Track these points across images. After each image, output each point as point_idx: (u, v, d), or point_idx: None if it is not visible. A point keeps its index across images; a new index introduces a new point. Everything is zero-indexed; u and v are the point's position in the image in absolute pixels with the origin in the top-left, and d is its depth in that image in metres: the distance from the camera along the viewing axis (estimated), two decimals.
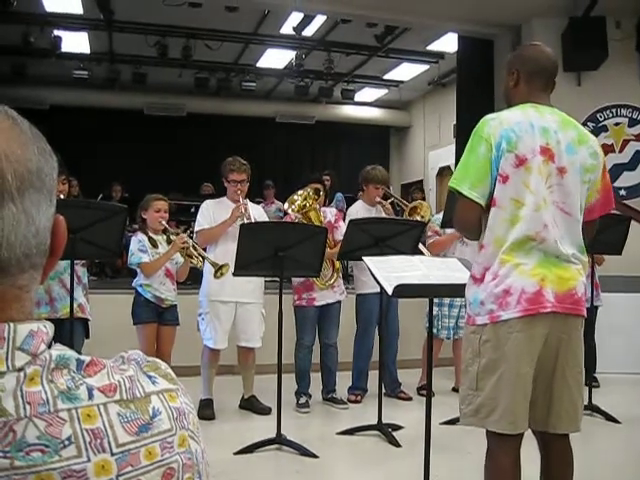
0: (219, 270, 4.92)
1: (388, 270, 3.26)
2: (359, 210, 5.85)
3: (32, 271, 0.74)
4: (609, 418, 5.23)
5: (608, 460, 4.49)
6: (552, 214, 2.56)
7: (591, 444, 4.59)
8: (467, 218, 2.66)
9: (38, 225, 0.73)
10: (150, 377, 0.78)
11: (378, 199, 5.79)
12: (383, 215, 5.78)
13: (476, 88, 8.36)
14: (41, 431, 0.66)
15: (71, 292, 4.16)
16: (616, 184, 7.62)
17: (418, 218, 5.75)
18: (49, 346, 0.73)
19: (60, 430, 0.67)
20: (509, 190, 2.55)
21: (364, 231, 4.93)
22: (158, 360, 0.83)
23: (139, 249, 4.95)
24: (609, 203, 2.79)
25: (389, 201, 6.01)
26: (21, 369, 0.68)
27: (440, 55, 11.73)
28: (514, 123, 2.58)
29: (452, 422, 4.79)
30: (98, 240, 4.01)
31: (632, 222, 5.60)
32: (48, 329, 0.74)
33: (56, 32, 10.68)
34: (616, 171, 7.65)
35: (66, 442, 0.67)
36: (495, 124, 2.58)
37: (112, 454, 0.69)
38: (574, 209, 2.62)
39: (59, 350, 0.73)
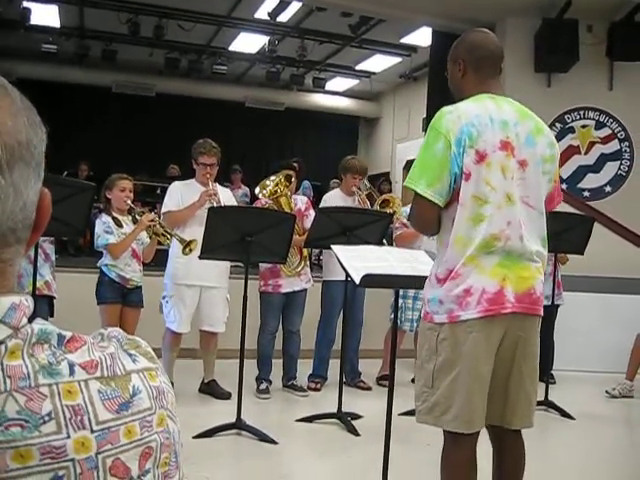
0: (187, 246, 4.88)
1: (356, 259, 3.26)
2: (334, 198, 5.85)
3: (17, 245, 0.73)
4: (564, 414, 5.32)
5: (561, 455, 4.57)
6: (518, 211, 2.50)
7: (546, 439, 4.67)
8: (424, 217, 2.58)
9: (26, 199, 0.72)
10: (130, 355, 0.77)
11: (355, 189, 5.78)
12: (357, 205, 5.76)
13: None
14: (21, 406, 0.65)
15: (34, 269, 4.11)
16: (580, 185, 7.75)
17: (389, 212, 5.74)
18: (30, 320, 0.72)
19: (40, 405, 0.66)
20: (471, 187, 2.46)
21: (332, 220, 4.92)
22: (138, 338, 0.82)
23: (105, 230, 4.87)
24: (560, 191, 2.79)
25: (366, 192, 6.01)
26: (2, 342, 0.67)
27: (413, 48, 11.76)
28: (473, 116, 2.48)
29: (411, 413, 4.80)
30: (64, 217, 3.94)
31: (595, 223, 5.69)
32: (29, 303, 0.73)
33: (25, 3, 10.46)
34: (581, 172, 7.78)
35: (46, 418, 0.66)
36: (453, 118, 2.48)
37: (92, 431, 0.68)
38: (538, 202, 2.57)
39: (40, 324, 0.72)
